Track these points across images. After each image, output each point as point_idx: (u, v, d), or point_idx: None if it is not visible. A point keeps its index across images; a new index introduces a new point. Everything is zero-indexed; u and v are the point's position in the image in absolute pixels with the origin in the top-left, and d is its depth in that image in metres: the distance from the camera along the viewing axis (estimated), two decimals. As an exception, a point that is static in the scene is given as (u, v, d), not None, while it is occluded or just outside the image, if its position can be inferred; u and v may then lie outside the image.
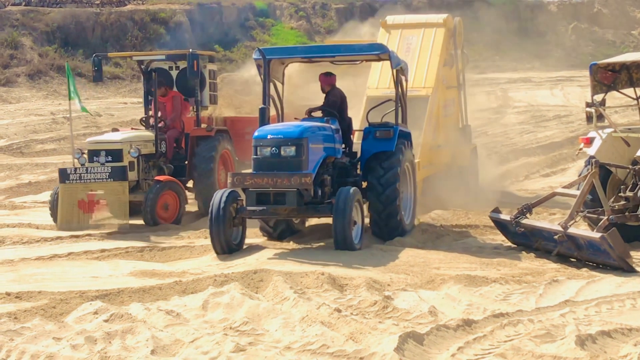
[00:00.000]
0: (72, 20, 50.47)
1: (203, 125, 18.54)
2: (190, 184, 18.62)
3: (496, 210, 15.21)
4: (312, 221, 16.51)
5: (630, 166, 14.56)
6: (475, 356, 8.84)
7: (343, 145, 15.22)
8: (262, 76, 15.29)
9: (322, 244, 14.96)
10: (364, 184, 14.88)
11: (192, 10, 56.38)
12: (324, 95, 15.60)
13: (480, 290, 11.71)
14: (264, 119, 14.92)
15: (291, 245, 15.00)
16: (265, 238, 15.45)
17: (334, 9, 54.27)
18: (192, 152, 18.10)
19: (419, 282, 12.15)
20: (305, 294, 11.30)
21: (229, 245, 13.89)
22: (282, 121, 15.73)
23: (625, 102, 16.73)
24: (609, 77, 16.03)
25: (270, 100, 15.43)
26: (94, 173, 16.22)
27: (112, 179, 16.20)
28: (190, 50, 18.49)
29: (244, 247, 14.59)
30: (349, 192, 13.56)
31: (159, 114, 18.04)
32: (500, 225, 15.12)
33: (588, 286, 11.96)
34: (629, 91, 16.27)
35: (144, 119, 18.99)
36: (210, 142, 18.13)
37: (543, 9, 61.02)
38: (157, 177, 16.97)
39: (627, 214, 14.22)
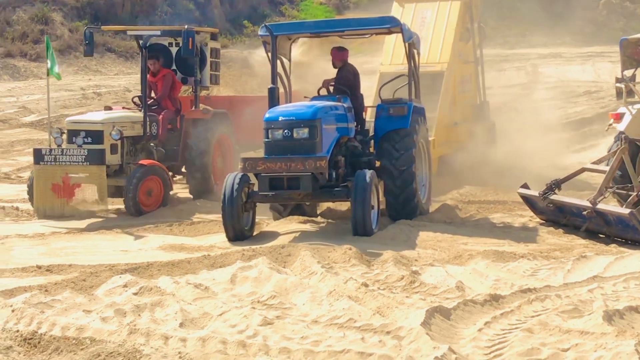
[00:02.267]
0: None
1: (201, 107, 17.82)
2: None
3: (525, 186, 15.19)
4: (322, 206, 16.23)
5: (660, 142, 14.52)
6: (502, 331, 8.85)
7: (355, 124, 14.86)
8: (268, 53, 14.96)
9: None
10: (377, 163, 14.55)
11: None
12: (337, 72, 15.21)
13: (508, 266, 11.71)
14: (273, 99, 14.46)
15: (309, 226, 14.73)
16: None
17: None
18: (186, 135, 17.36)
19: (447, 257, 12.16)
20: (332, 269, 11.34)
21: (240, 231, 13.48)
22: (291, 101, 15.36)
23: (655, 78, 16.63)
24: (639, 53, 15.95)
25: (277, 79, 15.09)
26: (69, 155, 15.27)
27: (88, 163, 15.27)
28: (187, 26, 17.62)
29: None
30: (367, 176, 13.15)
31: (152, 93, 17.58)
32: (529, 201, 15.12)
33: (616, 262, 11.92)
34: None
35: (135, 98, 18.00)
36: (206, 125, 17.40)
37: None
38: (140, 162, 16.07)
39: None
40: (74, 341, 8.58)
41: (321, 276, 10.88)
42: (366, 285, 10.51)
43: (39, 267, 12.22)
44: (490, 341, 8.58)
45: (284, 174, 13.21)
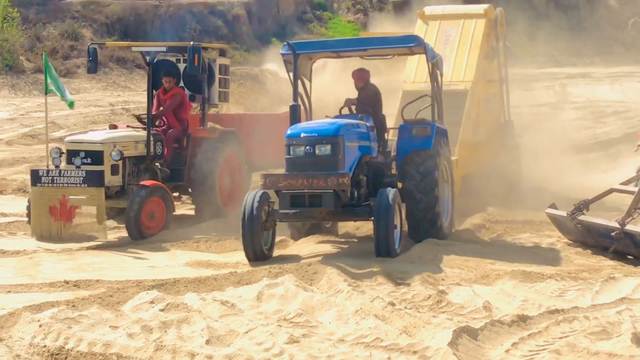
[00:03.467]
0: (131, 12, 50.84)
1: (209, 125, 17.42)
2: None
3: (553, 206, 15.15)
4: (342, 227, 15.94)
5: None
6: (529, 352, 8.82)
7: (377, 144, 14.59)
8: (289, 72, 14.68)
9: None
10: (399, 185, 14.17)
11: (250, 2, 56.52)
12: (358, 92, 14.92)
13: (536, 286, 11.66)
14: (295, 116, 14.17)
15: (333, 245, 14.60)
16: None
17: (391, 2, 54.08)
18: (192, 155, 16.59)
19: (474, 277, 12.13)
20: (359, 287, 11.34)
21: (260, 251, 13.11)
22: (311, 119, 14.98)
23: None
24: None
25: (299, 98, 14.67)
26: (67, 177, 14.65)
27: (86, 184, 14.66)
28: (192, 42, 17.14)
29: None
30: (390, 195, 12.89)
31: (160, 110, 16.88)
32: (557, 222, 15.07)
33: (646, 284, 11.89)
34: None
35: (139, 116, 17.28)
36: (213, 144, 16.67)
37: (603, 3, 60.53)
38: (141, 182, 15.48)
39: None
40: (100, 357, 8.62)
41: (347, 294, 10.88)
42: (393, 304, 10.49)
43: (67, 282, 12.27)
44: (517, 363, 8.56)
45: (306, 191, 12.95)
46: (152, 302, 10.56)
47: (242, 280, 11.75)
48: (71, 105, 17.34)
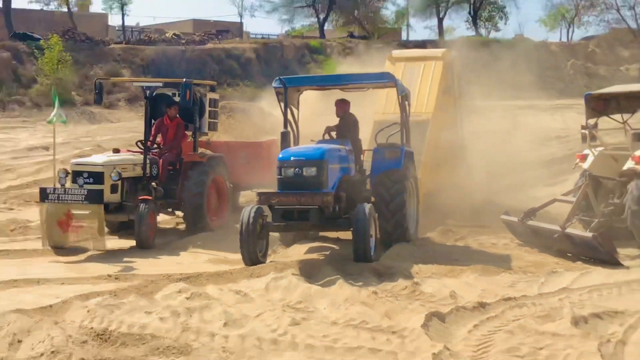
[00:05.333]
0: (162, 56, 51.00)
1: (200, 151, 16.74)
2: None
3: (506, 213, 15.19)
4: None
5: (617, 178, 14.50)
6: (488, 332, 8.84)
7: (355, 164, 14.33)
8: (280, 103, 14.40)
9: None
10: (373, 199, 13.91)
11: (259, 48, 56.75)
12: (339, 119, 14.71)
13: (493, 279, 11.70)
14: (285, 141, 13.95)
15: (320, 251, 14.38)
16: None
17: (375, 47, 54.22)
18: (185, 177, 15.99)
19: (442, 271, 12.11)
20: (348, 280, 11.34)
21: (255, 257, 12.72)
22: (298, 144, 14.62)
23: (614, 126, 16.59)
24: (600, 105, 15.96)
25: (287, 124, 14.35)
26: (71, 194, 14.09)
27: (87, 202, 14.07)
28: (185, 80, 16.18)
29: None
30: (366, 209, 12.60)
31: (159, 137, 16.56)
32: (510, 226, 15.10)
33: (582, 276, 11.91)
34: (617, 116, 16.19)
35: (139, 142, 16.25)
36: (202, 167, 16.07)
37: (547, 48, 60.78)
38: (140, 198, 14.85)
39: (614, 217, 14.16)
40: (137, 337, 8.61)
41: (339, 285, 10.88)
42: (376, 293, 10.52)
43: (109, 276, 12.26)
44: (478, 341, 8.57)
45: (295, 207, 12.73)
46: (179, 292, 10.55)
47: (253, 274, 11.72)
48: (60, 119, 16.36)
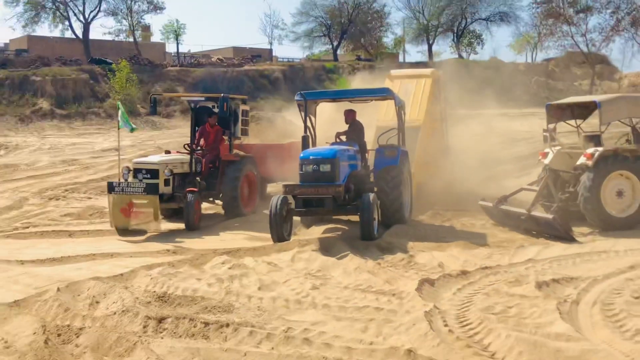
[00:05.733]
0: (208, 76, 51.07)
1: (235, 151, 16.55)
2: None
3: (483, 200, 15.13)
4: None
5: (572, 171, 14.43)
6: (469, 294, 8.82)
7: (361, 161, 14.30)
8: (301, 112, 14.29)
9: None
10: (375, 189, 13.79)
11: (285, 69, 56.67)
12: (348, 125, 14.70)
13: (473, 252, 11.66)
14: (305, 144, 13.85)
15: (338, 229, 14.31)
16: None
17: (377, 68, 54.06)
18: (223, 172, 15.94)
19: (432, 246, 12.10)
20: (358, 252, 11.36)
21: (282, 236, 12.68)
22: (315, 145, 14.46)
23: (569, 129, 16.50)
24: (558, 113, 15.88)
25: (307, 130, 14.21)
26: (132, 187, 14.09)
27: (145, 193, 14.06)
28: (223, 94, 16.15)
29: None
30: (370, 197, 12.62)
31: (202, 141, 16.27)
32: (486, 210, 15.04)
33: (544, 250, 11.86)
34: (572, 122, 16.10)
35: (186, 145, 16.10)
36: (237, 165, 15.98)
37: (515, 68, 60.44)
38: (188, 190, 14.75)
39: (569, 202, 14.11)
40: (190, 298, 8.64)
41: (350, 258, 10.89)
42: (379, 264, 10.52)
43: (168, 250, 12.33)
44: (460, 301, 8.55)
45: (314, 196, 12.76)
46: (223, 263, 10.60)
47: (281, 248, 11.74)
48: (132, 129, 16.04)
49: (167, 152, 16.58)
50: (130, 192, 14.09)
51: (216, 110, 16.48)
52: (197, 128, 16.63)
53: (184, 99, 18.43)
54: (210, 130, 16.27)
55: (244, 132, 17.42)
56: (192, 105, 16.62)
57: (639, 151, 14.03)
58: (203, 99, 17.02)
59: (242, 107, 17.24)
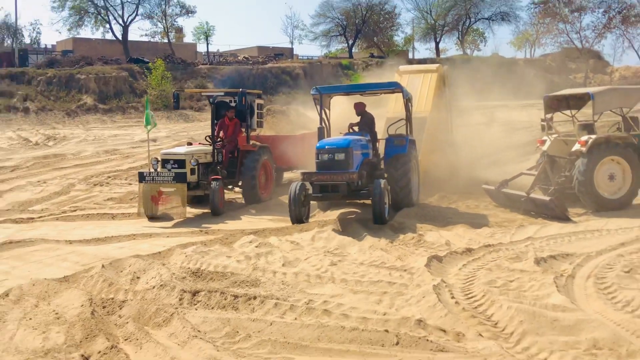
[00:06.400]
0: (236, 72, 51.02)
1: (252, 142, 16.37)
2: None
3: (486, 184, 15.07)
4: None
5: (567, 157, 14.31)
6: (473, 269, 8.80)
7: (372, 150, 14.12)
8: (317, 105, 14.14)
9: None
10: (386, 176, 13.69)
11: (305, 66, 56.47)
12: (359, 117, 14.51)
13: (476, 231, 11.61)
14: (321, 134, 13.75)
15: (351, 212, 14.36)
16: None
17: (388, 64, 53.84)
18: (241, 162, 15.68)
19: (439, 225, 12.07)
20: (372, 232, 11.35)
21: (300, 219, 12.64)
22: (329, 136, 14.26)
23: (565, 119, 16.35)
24: (555, 104, 15.74)
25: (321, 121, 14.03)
26: (162, 176, 13.93)
27: (174, 181, 13.92)
28: (241, 89, 16.00)
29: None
30: (382, 183, 12.44)
31: (221, 133, 15.97)
32: (489, 193, 14.97)
33: (542, 229, 11.78)
34: (567, 112, 15.96)
35: (207, 137, 16.04)
36: (254, 154, 15.72)
37: (515, 63, 59.87)
38: (212, 177, 14.59)
39: (565, 186, 14.01)
40: (221, 274, 8.68)
41: (365, 237, 10.89)
42: (392, 242, 10.52)
43: (201, 231, 12.38)
44: (465, 276, 8.54)
45: (329, 183, 12.65)
46: (250, 242, 10.64)
47: (302, 229, 11.77)
48: (154, 126, 16.20)
49: (189, 143, 16.41)
50: (160, 181, 13.96)
51: (233, 104, 16.40)
52: (216, 121, 16.43)
53: (204, 94, 17.81)
54: (229, 123, 16.11)
55: (259, 124, 17.27)
56: (211, 100, 16.44)
57: (629, 138, 13.93)
58: (222, 94, 16.86)
59: (258, 101, 17.09)
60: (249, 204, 15.60)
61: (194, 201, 15.72)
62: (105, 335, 6.74)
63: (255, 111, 16.82)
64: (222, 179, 14.89)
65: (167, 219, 14.08)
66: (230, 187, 16.21)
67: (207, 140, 16.06)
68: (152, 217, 13.96)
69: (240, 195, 16.22)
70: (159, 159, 14.68)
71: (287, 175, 19.00)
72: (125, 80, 45.72)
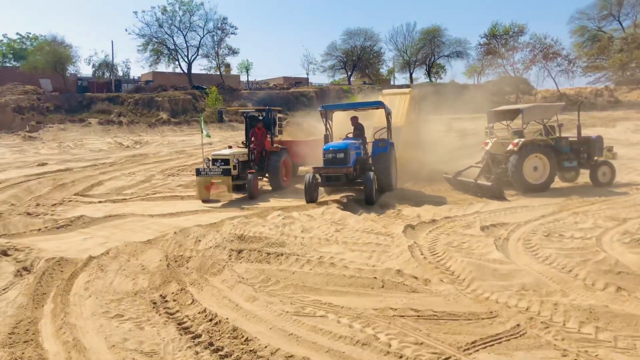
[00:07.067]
0: (267, 95, 50.77)
1: (275, 145, 15.94)
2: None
3: (446, 173, 14.97)
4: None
5: (504, 154, 14.19)
6: (436, 235, 8.75)
7: (364, 150, 13.89)
8: (323, 119, 14.06)
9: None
10: (373, 169, 13.44)
11: (317, 91, 56.09)
12: (354, 127, 14.35)
13: (439, 207, 11.51)
14: (326, 140, 13.71)
15: (346, 196, 14.34)
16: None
17: (376, 88, 53.34)
18: (268, 160, 15.45)
19: (412, 203, 12.00)
20: (366, 209, 11.31)
21: (312, 199, 12.46)
22: (332, 141, 14.10)
23: (502, 127, 16.19)
24: (495, 116, 15.58)
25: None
26: (213, 171, 13.74)
27: (223, 175, 13.69)
28: (268, 107, 15.76)
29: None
30: (371, 175, 12.35)
31: (253, 139, 15.66)
32: (448, 180, 14.87)
33: (485, 205, 11.68)
34: (504, 122, 15.81)
35: (243, 142, 16.04)
36: (277, 154, 15.50)
37: (466, 87, 59.29)
38: (249, 171, 14.27)
39: (502, 175, 13.90)
40: (258, 238, 8.68)
41: (359, 212, 10.87)
42: (379, 215, 10.48)
43: (242, 208, 12.35)
44: (431, 239, 8.50)
45: (332, 174, 12.58)
46: (278, 215, 10.62)
47: (315, 206, 11.72)
48: (207, 136, 15.91)
49: (229, 147, 16.18)
50: (211, 174, 13.83)
51: (261, 118, 16.28)
52: (250, 130, 16.33)
53: (241, 111, 17.77)
54: (258, 131, 15.90)
55: (280, 132, 17.12)
56: (245, 115, 16.34)
57: (548, 141, 13.83)
58: (253, 110, 16.68)
59: (279, 115, 16.95)
60: (274, 190, 15.45)
61: (235, 189, 15.58)
62: (177, 281, 6.80)
63: (277, 122, 16.67)
64: (255, 172, 14.79)
65: (217, 201, 14.09)
66: (260, 177, 16.06)
67: (242, 145, 16.02)
68: (205, 201, 13.84)
69: (268, 184, 16.11)
70: (210, 158, 14.53)
71: (301, 169, 18.95)
72: (190, 101, 45.67)
